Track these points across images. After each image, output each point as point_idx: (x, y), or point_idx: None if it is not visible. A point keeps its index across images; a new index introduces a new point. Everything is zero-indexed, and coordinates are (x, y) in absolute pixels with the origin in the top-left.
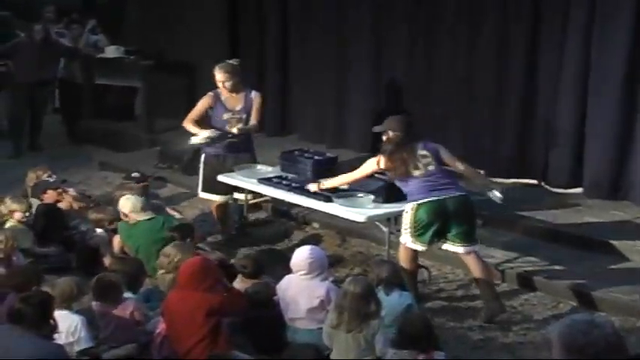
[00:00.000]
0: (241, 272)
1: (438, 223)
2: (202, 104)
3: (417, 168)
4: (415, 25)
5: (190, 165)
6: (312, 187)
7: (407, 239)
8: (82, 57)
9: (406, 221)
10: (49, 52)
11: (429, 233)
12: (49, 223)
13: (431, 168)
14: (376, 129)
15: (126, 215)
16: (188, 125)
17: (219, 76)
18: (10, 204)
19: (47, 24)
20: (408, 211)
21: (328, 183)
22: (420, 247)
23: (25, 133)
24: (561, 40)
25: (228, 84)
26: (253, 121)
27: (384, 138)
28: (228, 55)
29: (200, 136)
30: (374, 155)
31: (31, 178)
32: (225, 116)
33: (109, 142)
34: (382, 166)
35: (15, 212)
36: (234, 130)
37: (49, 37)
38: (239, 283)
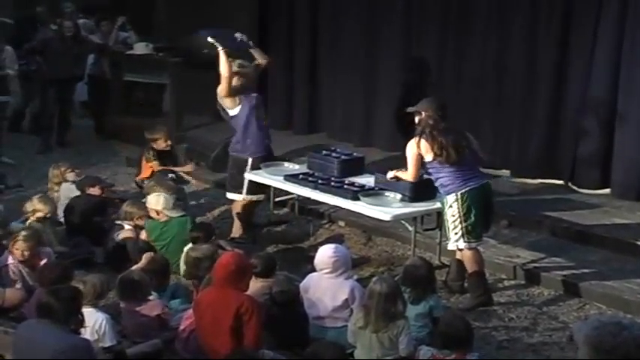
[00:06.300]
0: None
1: (482, 211)
2: None
3: (456, 153)
4: (444, 24)
5: (218, 162)
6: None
7: (461, 243)
8: (112, 53)
9: (453, 219)
10: (78, 48)
11: (479, 224)
12: (87, 212)
13: (466, 153)
14: (410, 109)
15: (157, 213)
16: None
17: None
18: (35, 203)
19: (75, 19)
20: (451, 204)
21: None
22: (475, 245)
23: (53, 129)
24: (591, 40)
25: None
26: None
27: (417, 119)
28: None
29: None
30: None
31: (55, 174)
32: None
33: (137, 138)
34: (422, 149)
35: (37, 212)
36: None
37: (78, 34)
38: (252, 282)
